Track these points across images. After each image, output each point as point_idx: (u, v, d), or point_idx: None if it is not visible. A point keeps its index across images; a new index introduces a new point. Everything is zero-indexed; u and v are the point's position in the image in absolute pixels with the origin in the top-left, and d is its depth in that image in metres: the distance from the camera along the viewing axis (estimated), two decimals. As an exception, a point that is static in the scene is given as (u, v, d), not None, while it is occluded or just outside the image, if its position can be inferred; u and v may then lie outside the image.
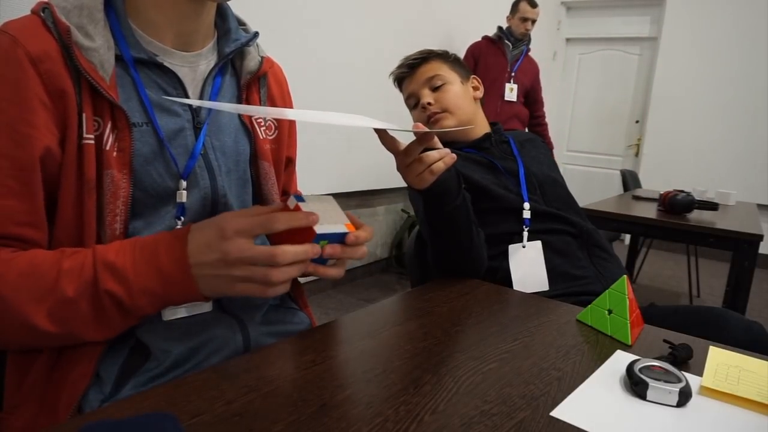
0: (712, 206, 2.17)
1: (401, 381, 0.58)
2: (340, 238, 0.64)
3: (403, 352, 0.66)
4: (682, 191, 2.19)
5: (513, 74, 3.53)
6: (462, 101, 1.26)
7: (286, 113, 0.65)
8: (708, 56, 4.61)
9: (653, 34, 4.95)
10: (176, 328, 0.67)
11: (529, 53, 3.65)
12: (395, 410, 0.52)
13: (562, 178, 1.32)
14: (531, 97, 3.67)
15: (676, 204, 2.15)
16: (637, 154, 5.11)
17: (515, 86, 3.53)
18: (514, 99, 3.53)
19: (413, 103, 1.29)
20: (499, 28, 3.58)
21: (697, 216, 2.17)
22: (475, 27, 3.85)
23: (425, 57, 1.28)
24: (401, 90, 1.34)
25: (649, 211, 2.25)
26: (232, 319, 0.71)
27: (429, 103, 1.23)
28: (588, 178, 5.30)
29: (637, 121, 5.11)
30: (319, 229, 0.60)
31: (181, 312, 0.68)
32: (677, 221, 2.05)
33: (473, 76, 1.33)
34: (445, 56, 1.30)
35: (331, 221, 0.63)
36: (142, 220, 0.66)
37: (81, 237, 0.61)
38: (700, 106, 4.67)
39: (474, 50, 3.60)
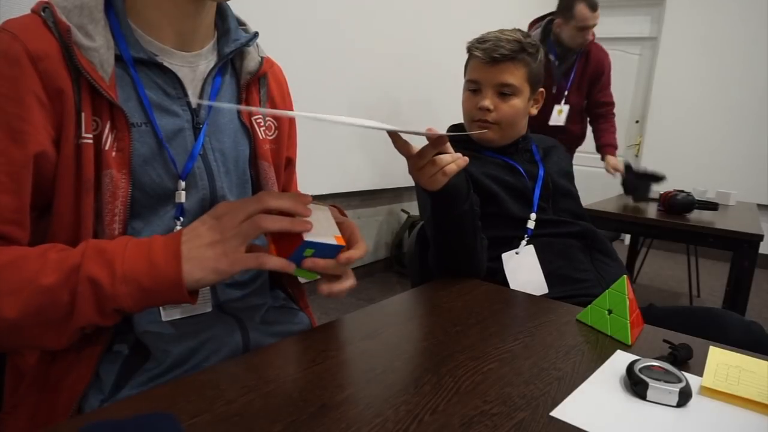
0: (712, 206, 2.17)
1: (401, 381, 0.58)
2: (327, 249, 0.64)
3: (403, 352, 0.66)
4: (682, 191, 2.19)
5: (566, 94, 2.80)
6: (518, 119, 1.21)
7: (325, 117, 0.61)
8: (708, 56, 4.61)
9: (653, 34, 4.95)
10: (176, 329, 0.67)
11: (590, 52, 2.82)
12: (395, 410, 0.52)
13: (576, 189, 1.31)
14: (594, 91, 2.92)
15: (676, 204, 2.15)
16: (637, 154, 5.11)
17: (566, 108, 2.79)
18: (562, 123, 2.83)
19: (474, 87, 1.21)
20: (543, 37, 2.78)
21: (697, 216, 2.17)
22: (479, 27, 3.85)
23: (514, 55, 1.16)
24: (467, 60, 1.23)
25: (649, 211, 2.25)
26: (231, 319, 0.71)
27: (488, 109, 1.18)
28: (589, 178, 5.29)
29: (637, 121, 5.11)
30: (306, 236, 0.61)
31: (181, 312, 0.68)
32: (677, 221, 2.05)
33: (541, 90, 1.25)
34: (533, 58, 1.19)
35: (322, 232, 0.63)
36: (141, 220, 0.66)
37: (78, 237, 0.61)
38: (700, 106, 4.67)
39: None
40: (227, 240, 0.58)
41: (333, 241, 0.64)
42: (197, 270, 0.57)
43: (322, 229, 0.64)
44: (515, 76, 1.17)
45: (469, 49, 1.21)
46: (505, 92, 1.18)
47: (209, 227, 0.59)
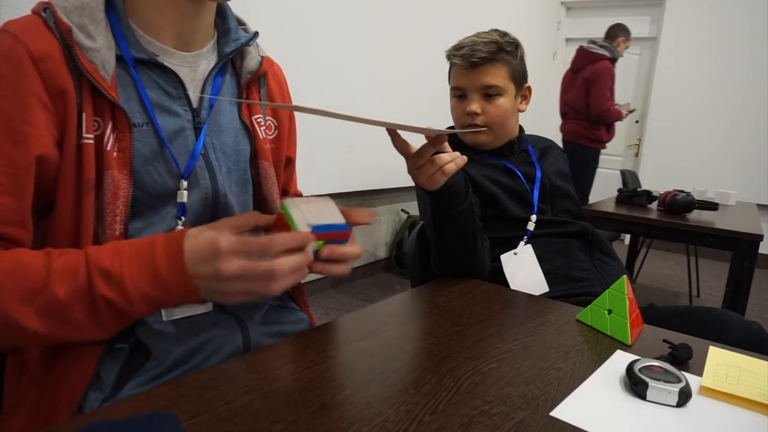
0: (712, 206, 2.17)
1: (401, 381, 0.58)
2: (338, 233, 0.63)
3: (403, 352, 0.66)
4: (682, 191, 2.19)
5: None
6: (507, 118, 1.21)
7: (335, 111, 0.59)
8: (708, 56, 4.61)
9: (653, 34, 4.95)
10: (176, 328, 0.67)
11: None
12: (395, 410, 0.52)
13: (573, 188, 1.31)
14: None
15: (676, 204, 2.15)
16: (637, 154, 5.11)
17: None
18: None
19: (459, 93, 1.21)
20: (610, 50, 3.72)
21: (697, 216, 2.17)
22: (481, 27, 3.85)
23: (492, 57, 1.15)
24: (449, 68, 1.23)
25: (649, 211, 2.25)
26: (232, 319, 0.71)
27: (476, 113, 1.18)
28: (588, 178, 5.30)
29: (636, 121, 5.11)
30: (317, 221, 0.60)
31: (181, 312, 0.68)
32: (677, 221, 2.05)
33: (528, 84, 1.25)
34: (512, 56, 1.18)
35: (327, 216, 0.63)
36: (142, 220, 0.66)
37: (78, 237, 0.61)
38: (700, 107, 4.67)
39: (613, 73, 3.76)
40: (230, 297, 0.57)
41: (341, 220, 0.63)
42: (204, 294, 0.57)
43: (327, 215, 0.63)
44: (497, 76, 1.17)
45: (449, 57, 1.21)
46: (490, 93, 1.18)
47: (212, 277, 0.55)
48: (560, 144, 3.98)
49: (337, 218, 0.64)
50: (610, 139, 3.93)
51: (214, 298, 0.59)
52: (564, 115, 3.98)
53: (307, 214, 0.61)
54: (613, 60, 3.75)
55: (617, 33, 3.82)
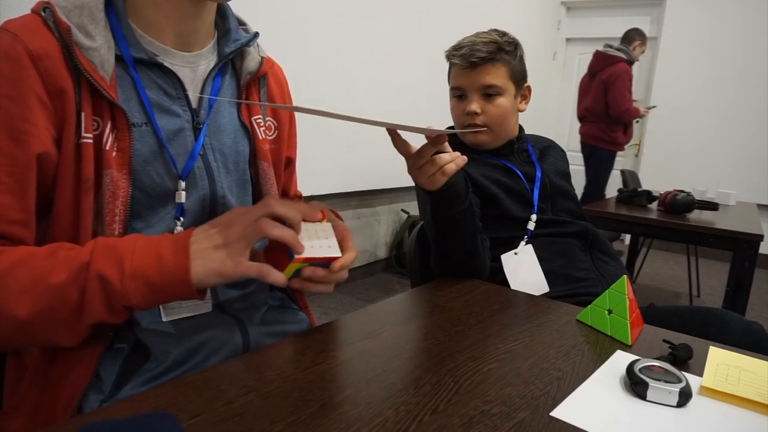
0: (712, 206, 2.17)
1: (401, 381, 0.58)
2: (325, 263, 0.65)
3: (403, 352, 0.66)
4: (682, 191, 2.19)
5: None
6: (507, 118, 1.21)
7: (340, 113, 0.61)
8: (708, 56, 4.61)
9: (653, 34, 4.94)
10: (176, 329, 0.67)
11: None
12: (395, 410, 0.52)
13: (573, 188, 1.31)
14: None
15: (676, 204, 2.15)
16: (637, 154, 5.10)
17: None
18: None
19: (458, 93, 1.22)
20: (626, 53, 3.78)
21: (697, 216, 2.17)
22: (483, 26, 3.85)
23: (492, 57, 1.16)
24: (449, 70, 1.24)
25: (649, 211, 2.25)
26: (231, 319, 0.71)
27: (476, 113, 1.18)
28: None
29: (637, 121, 5.10)
30: (307, 252, 0.61)
31: (181, 312, 0.68)
32: (677, 221, 2.05)
33: (527, 84, 1.25)
34: (512, 56, 1.19)
35: (321, 246, 0.64)
36: (141, 220, 0.66)
37: (77, 237, 0.61)
38: (700, 106, 4.67)
39: (630, 74, 3.81)
40: (232, 244, 0.58)
41: (329, 255, 0.64)
42: (201, 270, 0.57)
43: (320, 241, 0.64)
44: (497, 76, 1.17)
45: (448, 58, 1.22)
46: (489, 93, 1.18)
47: (217, 230, 0.59)
48: (578, 146, 4.05)
49: (333, 252, 0.65)
50: (627, 141, 3.95)
51: (210, 268, 0.57)
52: (581, 118, 4.01)
53: (311, 239, 0.63)
54: (630, 63, 3.79)
55: (633, 36, 3.86)
